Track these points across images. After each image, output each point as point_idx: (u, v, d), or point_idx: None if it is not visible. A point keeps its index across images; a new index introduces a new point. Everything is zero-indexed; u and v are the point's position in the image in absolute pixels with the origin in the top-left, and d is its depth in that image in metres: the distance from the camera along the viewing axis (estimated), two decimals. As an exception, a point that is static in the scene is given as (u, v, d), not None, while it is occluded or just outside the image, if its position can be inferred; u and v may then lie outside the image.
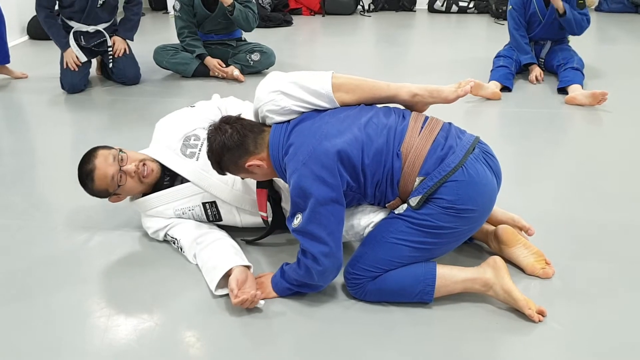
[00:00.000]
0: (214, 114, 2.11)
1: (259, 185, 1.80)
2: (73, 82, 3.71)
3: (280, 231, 1.93)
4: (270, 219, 1.88)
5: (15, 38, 4.94)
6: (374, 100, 1.73)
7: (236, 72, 3.91)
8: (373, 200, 1.68)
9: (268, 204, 1.85)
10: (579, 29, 3.66)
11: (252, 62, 3.99)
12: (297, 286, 1.66)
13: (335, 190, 1.53)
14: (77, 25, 3.66)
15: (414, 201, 1.58)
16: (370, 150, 1.57)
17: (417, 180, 1.58)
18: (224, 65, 3.95)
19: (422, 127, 1.63)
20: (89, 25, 3.67)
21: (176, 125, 2.10)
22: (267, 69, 4.08)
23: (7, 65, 3.98)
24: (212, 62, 3.93)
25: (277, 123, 1.68)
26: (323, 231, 1.53)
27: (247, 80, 3.90)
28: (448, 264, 1.68)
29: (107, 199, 1.97)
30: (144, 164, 1.92)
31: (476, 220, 1.61)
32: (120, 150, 1.93)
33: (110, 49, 3.76)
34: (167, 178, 1.99)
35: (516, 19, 3.75)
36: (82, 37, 3.69)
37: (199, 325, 1.62)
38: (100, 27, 3.71)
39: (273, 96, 1.66)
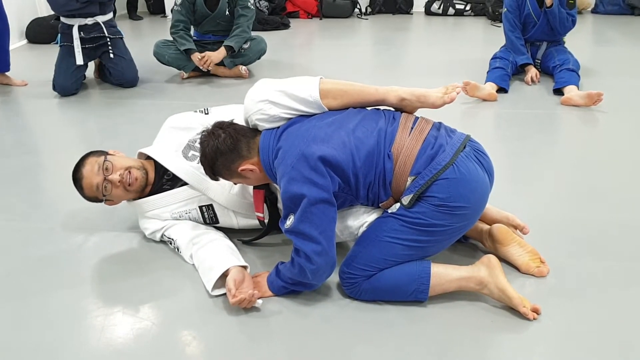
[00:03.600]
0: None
1: (256, 186, 1.81)
2: (65, 85, 3.73)
3: (276, 232, 1.94)
4: (266, 220, 1.89)
5: (14, 42, 4.95)
6: (362, 104, 1.73)
7: (243, 68, 4.00)
8: (366, 201, 1.69)
9: (264, 205, 1.86)
10: (562, 27, 3.68)
11: (243, 50, 4.03)
12: (292, 284, 1.67)
13: (325, 190, 1.54)
14: (75, 21, 3.67)
15: (406, 200, 1.59)
16: (362, 153, 1.59)
17: (409, 179, 1.59)
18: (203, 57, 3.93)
19: (412, 128, 1.64)
20: (85, 17, 3.67)
21: (183, 131, 2.08)
22: (258, 58, 4.15)
23: (7, 74, 3.99)
24: (195, 57, 3.90)
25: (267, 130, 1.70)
26: (315, 230, 1.54)
27: (252, 78, 3.98)
28: (443, 262, 1.69)
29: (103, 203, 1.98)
30: (129, 172, 1.91)
31: (469, 217, 1.62)
32: (106, 157, 1.92)
33: (109, 43, 3.77)
34: (169, 183, 2.00)
35: (511, 21, 3.78)
36: (81, 31, 3.69)
37: (195, 324, 1.62)
38: (99, 19, 3.71)
39: (261, 105, 1.67)
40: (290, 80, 1.72)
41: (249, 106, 1.70)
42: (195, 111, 2.18)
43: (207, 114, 2.17)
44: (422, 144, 1.60)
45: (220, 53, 3.90)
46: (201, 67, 3.91)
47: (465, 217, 1.61)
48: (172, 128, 2.12)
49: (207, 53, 3.88)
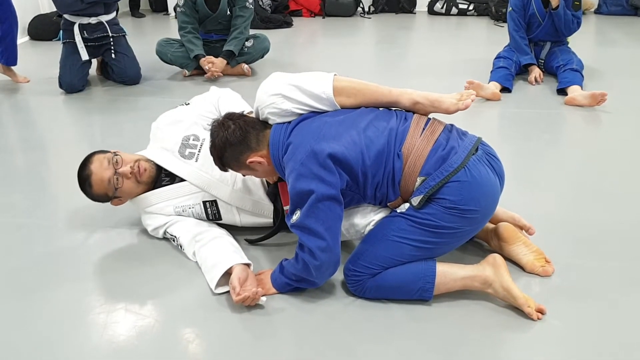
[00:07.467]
0: (209, 111, 2.12)
1: (281, 179, 1.79)
2: (72, 82, 3.73)
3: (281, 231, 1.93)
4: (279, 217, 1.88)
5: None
6: (375, 105, 1.72)
7: (245, 67, 3.99)
8: (373, 201, 1.68)
9: (274, 205, 1.85)
10: (566, 29, 3.67)
11: (246, 49, 4.03)
12: (295, 281, 1.66)
13: (333, 188, 1.54)
14: (79, 19, 3.69)
15: (415, 201, 1.58)
16: (372, 152, 1.58)
17: (418, 180, 1.58)
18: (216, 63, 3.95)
19: (423, 129, 1.63)
20: (90, 17, 3.69)
21: (174, 125, 2.08)
22: (262, 56, 4.15)
23: (12, 68, 3.99)
24: (204, 62, 3.92)
25: (278, 124, 1.69)
26: (321, 226, 1.53)
27: (254, 76, 3.99)
28: (448, 261, 1.68)
29: (109, 203, 1.98)
30: (138, 164, 1.92)
31: (479, 221, 1.61)
32: (115, 153, 1.94)
33: (112, 41, 3.78)
34: (167, 179, 1.99)
35: (516, 20, 3.77)
36: (85, 30, 3.71)
37: (198, 321, 1.62)
38: (102, 18, 3.73)
39: (274, 99, 1.66)
40: (304, 75, 1.70)
41: (261, 98, 1.69)
42: (176, 107, 2.20)
43: (188, 104, 2.20)
44: (433, 145, 1.59)
45: (223, 62, 3.92)
46: (205, 68, 3.92)
47: (474, 221, 1.60)
48: (161, 130, 2.09)
49: (209, 67, 3.87)
